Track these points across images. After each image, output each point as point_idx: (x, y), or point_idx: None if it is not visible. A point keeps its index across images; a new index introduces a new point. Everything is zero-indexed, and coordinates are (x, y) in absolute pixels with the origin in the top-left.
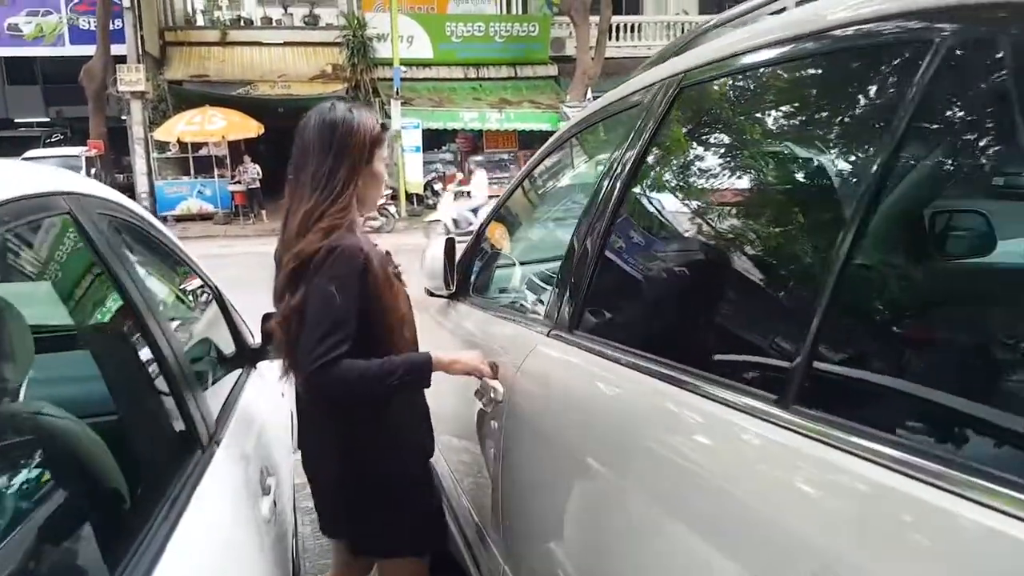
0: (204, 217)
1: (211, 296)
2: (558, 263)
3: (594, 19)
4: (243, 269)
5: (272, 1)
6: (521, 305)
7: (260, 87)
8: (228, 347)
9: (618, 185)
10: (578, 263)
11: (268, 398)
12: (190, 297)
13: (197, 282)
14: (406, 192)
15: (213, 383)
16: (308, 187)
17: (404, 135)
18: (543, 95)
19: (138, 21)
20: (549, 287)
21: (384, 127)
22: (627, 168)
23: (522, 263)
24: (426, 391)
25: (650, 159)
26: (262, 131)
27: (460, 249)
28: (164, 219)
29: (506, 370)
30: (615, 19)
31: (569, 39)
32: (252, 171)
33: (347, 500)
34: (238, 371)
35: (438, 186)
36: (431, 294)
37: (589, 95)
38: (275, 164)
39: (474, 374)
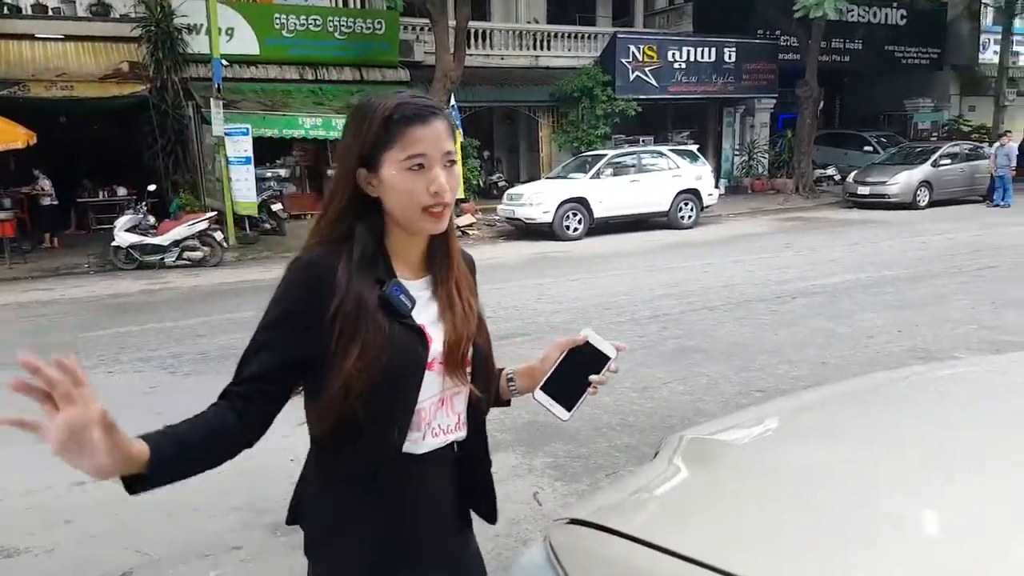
0: None
1: None
2: None
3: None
4: None
5: None
6: None
7: (33, 88)
8: None
9: None
10: None
11: None
12: None
13: None
14: (234, 215)
15: None
16: None
17: (229, 143)
18: None
19: None
20: None
21: (398, 114)
22: None
23: None
24: None
25: None
26: (34, 140)
27: None
28: None
29: None
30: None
31: (417, 43)
32: (46, 185)
33: None
34: None
35: (276, 207)
36: None
37: (452, 102)
38: (57, 182)
39: None
